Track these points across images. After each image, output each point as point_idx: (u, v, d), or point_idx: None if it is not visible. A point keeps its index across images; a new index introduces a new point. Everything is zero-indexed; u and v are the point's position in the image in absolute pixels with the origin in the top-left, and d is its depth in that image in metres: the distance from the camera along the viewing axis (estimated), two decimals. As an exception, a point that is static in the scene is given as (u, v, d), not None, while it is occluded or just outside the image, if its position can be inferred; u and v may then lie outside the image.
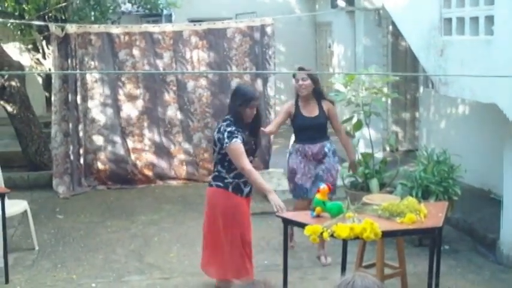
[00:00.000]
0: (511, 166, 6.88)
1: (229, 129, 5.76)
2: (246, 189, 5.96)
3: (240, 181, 5.88)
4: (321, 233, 4.87)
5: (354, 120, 8.54)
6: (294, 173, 7.10)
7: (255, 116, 5.96)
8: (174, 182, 10.87)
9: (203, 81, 10.93)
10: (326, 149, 7.07)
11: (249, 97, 5.88)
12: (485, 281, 6.66)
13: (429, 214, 5.35)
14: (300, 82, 7.00)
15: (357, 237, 4.92)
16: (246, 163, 5.70)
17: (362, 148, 9.69)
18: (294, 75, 7.13)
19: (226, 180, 5.86)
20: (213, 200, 5.97)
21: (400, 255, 6.14)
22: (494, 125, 8.33)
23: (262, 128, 6.38)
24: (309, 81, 7.00)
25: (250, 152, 5.90)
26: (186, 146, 10.92)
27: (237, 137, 5.70)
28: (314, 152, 7.02)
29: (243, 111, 5.83)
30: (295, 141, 7.23)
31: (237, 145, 5.69)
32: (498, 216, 7.20)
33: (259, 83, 11.06)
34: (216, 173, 5.94)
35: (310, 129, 7.06)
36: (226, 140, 5.70)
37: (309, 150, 7.02)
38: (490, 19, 6.47)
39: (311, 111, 7.08)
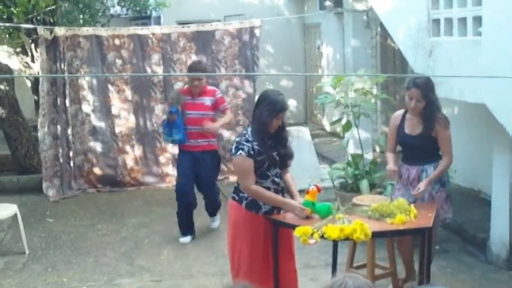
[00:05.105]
0: (500, 166, 6.91)
1: (237, 139, 5.29)
2: (266, 207, 5.34)
3: None
4: (312, 234, 4.88)
5: (343, 121, 8.57)
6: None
7: (280, 125, 5.36)
8: (163, 185, 10.86)
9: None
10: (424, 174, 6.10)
11: (280, 107, 5.25)
12: (476, 281, 6.68)
13: (419, 214, 5.37)
14: (413, 104, 5.99)
15: (347, 238, 4.93)
16: (249, 183, 5.21)
17: (352, 149, 9.71)
18: (408, 87, 6.03)
19: (241, 194, 5.35)
20: (228, 211, 5.56)
21: (390, 256, 6.16)
22: (483, 125, 8.35)
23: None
24: (422, 104, 5.99)
25: (271, 163, 5.31)
26: (171, 146, 10.90)
27: (242, 149, 5.17)
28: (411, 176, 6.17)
29: (270, 121, 5.22)
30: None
31: (240, 160, 5.20)
32: (488, 216, 7.22)
33: (246, 84, 11.07)
34: (236, 185, 5.47)
35: (409, 148, 6.27)
36: (232, 152, 5.25)
37: (406, 173, 6.23)
38: (477, 20, 6.49)
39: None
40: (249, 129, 5.32)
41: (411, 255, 6.35)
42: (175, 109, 7.87)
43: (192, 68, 8.06)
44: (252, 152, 5.17)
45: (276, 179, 5.39)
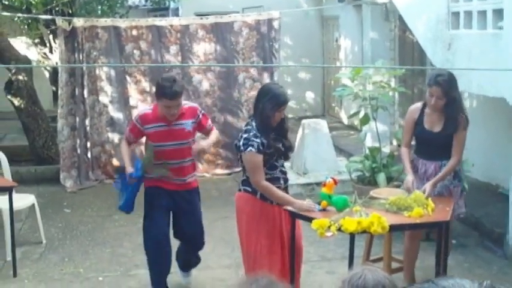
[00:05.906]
0: (518, 160, 6.87)
1: (245, 135, 5.25)
2: None
3: None
4: (329, 227, 4.87)
5: (361, 114, 8.53)
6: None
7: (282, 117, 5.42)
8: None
9: (209, 75, 10.93)
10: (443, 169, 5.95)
11: (283, 100, 5.30)
12: (493, 276, 6.62)
13: (436, 208, 5.35)
14: (434, 102, 5.80)
15: (364, 231, 4.92)
16: (259, 178, 5.24)
17: (369, 142, 9.68)
18: (429, 84, 5.85)
19: (254, 186, 5.35)
20: (238, 204, 5.51)
21: (407, 250, 6.14)
22: (502, 119, 8.30)
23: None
24: (442, 101, 5.81)
25: (278, 155, 5.40)
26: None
27: (252, 145, 5.18)
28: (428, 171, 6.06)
29: (273, 115, 5.27)
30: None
31: (250, 156, 5.21)
32: (505, 211, 7.18)
33: (265, 76, 11.05)
34: (245, 178, 5.45)
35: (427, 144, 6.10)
36: (241, 148, 5.22)
37: (422, 167, 6.12)
38: (497, 13, 6.45)
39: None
40: (253, 123, 5.32)
41: (415, 256, 6.27)
42: (140, 174, 6.12)
43: (172, 87, 5.69)
44: (261, 148, 5.21)
45: (283, 169, 5.52)
